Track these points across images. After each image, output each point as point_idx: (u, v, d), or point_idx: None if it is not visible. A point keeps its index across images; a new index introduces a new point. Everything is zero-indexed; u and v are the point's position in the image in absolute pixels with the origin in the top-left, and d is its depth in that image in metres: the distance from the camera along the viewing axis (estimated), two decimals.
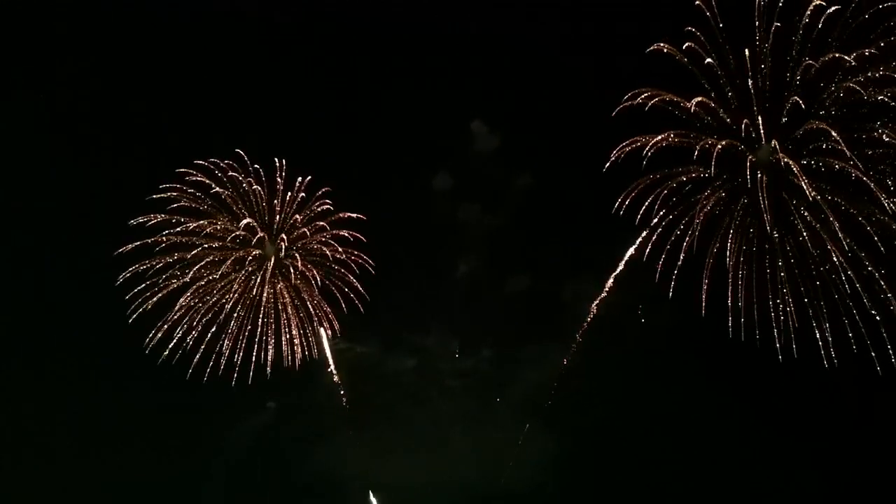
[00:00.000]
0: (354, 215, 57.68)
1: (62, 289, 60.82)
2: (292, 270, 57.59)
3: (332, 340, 59.96)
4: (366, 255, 58.03)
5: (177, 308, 55.44)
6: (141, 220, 54.54)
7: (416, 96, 64.36)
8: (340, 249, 57.75)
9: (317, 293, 58.52)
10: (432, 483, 60.52)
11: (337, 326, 59.61)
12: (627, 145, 47.97)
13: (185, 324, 55.76)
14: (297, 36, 65.04)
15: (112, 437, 59.24)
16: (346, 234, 57.80)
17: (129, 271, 54.57)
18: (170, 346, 55.71)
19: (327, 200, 57.38)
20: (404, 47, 64.04)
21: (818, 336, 46.44)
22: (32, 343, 59.71)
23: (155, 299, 54.93)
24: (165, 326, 55.52)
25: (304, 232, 57.86)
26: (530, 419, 61.79)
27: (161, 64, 63.09)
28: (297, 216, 57.62)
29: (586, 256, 60.29)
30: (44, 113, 61.69)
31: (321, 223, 57.77)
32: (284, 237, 57.38)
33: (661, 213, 48.68)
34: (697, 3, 44.83)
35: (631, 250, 52.46)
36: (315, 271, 58.09)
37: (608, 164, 48.47)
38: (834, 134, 42.39)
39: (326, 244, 57.97)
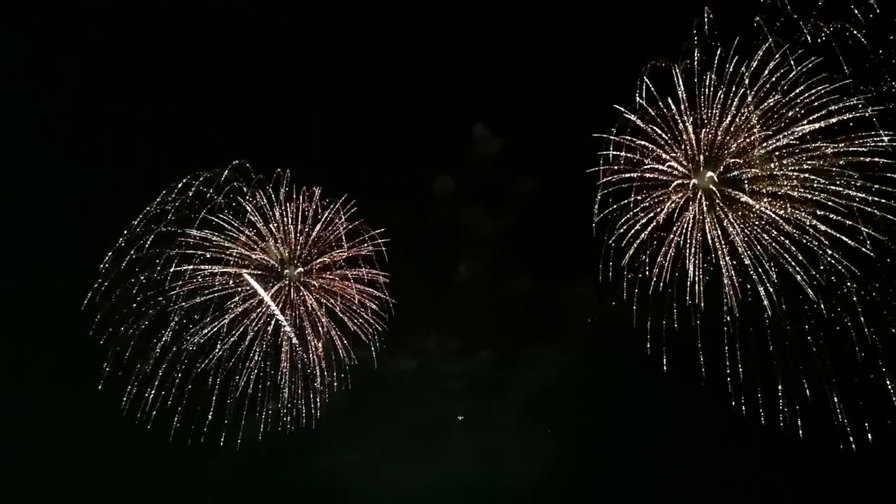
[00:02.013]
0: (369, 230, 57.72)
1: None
2: (305, 293, 57.37)
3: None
4: (368, 258, 58.24)
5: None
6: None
7: (418, 100, 64.62)
8: (356, 287, 57.50)
9: (326, 319, 58.34)
10: (432, 483, 61.31)
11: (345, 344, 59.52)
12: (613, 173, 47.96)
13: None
14: (297, 39, 64.91)
15: (110, 437, 60.18)
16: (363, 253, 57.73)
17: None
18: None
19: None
20: (406, 51, 63.98)
21: None
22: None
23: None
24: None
25: (316, 251, 57.51)
26: (530, 420, 62.38)
27: (159, 65, 63.34)
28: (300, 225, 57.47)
29: (587, 260, 60.34)
30: (36, 116, 61.58)
31: (333, 237, 57.52)
32: (292, 257, 57.02)
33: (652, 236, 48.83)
34: (696, 19, 44.51)
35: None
36: (327, 299, 57.98)
37: (597, 198, 48.43)
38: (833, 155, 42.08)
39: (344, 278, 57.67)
